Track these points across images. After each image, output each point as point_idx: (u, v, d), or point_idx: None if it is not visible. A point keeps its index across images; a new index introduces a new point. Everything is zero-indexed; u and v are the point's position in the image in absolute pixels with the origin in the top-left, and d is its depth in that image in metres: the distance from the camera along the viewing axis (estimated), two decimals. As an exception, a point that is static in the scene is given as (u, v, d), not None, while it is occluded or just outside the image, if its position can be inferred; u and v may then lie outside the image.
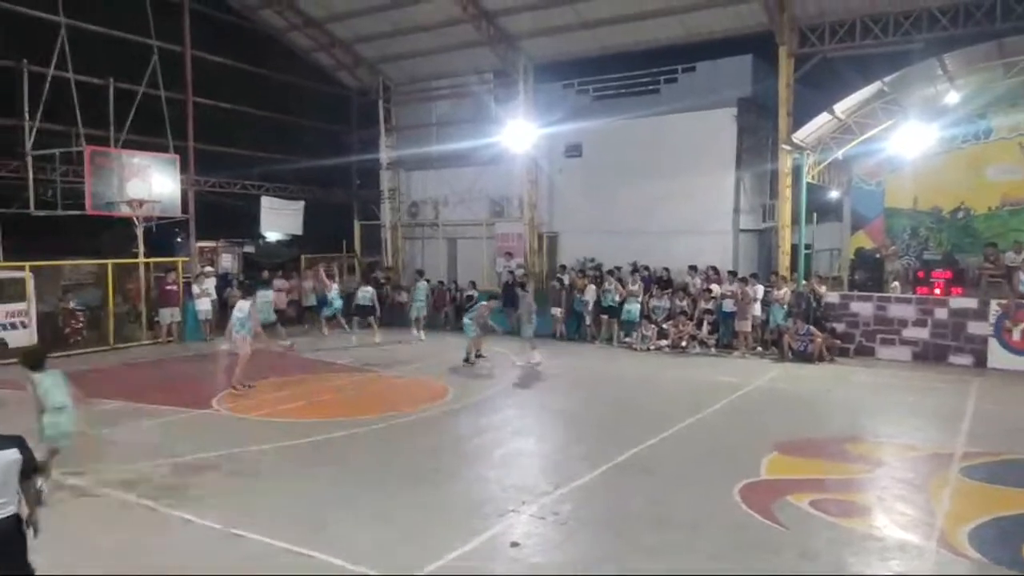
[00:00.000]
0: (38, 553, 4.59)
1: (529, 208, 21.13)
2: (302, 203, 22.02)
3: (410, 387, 13.01)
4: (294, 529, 6.43)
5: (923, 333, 14.71)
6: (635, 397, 12.21)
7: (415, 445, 9.27)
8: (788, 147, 16.62)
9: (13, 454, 4.32)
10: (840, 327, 15.43)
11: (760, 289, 15.92)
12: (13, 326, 15.10)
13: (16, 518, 4.35)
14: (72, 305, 16.52)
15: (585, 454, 8.75)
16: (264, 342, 15.93)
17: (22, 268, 15.53)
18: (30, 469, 4.46)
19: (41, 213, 15.87)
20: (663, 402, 11.71)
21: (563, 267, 19.99)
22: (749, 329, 15.80)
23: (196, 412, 10.96)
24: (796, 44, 16.90)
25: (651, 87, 20.13)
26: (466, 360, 14.38)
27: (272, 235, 24.89)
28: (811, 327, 14.96)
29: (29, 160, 15.55)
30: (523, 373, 14.25)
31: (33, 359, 7.63)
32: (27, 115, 15.63)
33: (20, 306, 15.23)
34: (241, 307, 12.20)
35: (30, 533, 4.49)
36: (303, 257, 22.77)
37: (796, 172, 16.82)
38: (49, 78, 15.81)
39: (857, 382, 13.22)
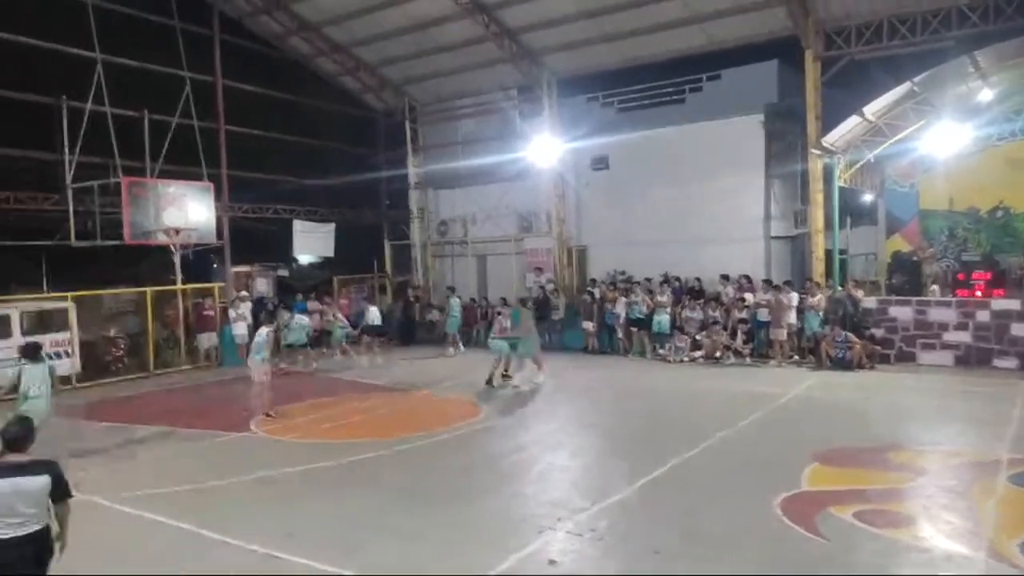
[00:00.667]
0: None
1: (557, 222, 21.14)
2: (333, 225, 22.33)
3: (443, 405, 13.04)
4: (331, 551, 6.47)
5: (965, 337, 14.33)
6: (670, 410, 12.08)
7: (449, 463, 9.27)
8: (818, 151, 16.41)
9: (44, 480, 4.63)
10: (879, 333, 15.11)
11: (795, 296, 15.69)
12: (58, 355, 15.44)
13: (47, 532, 4.69)
14: (113, 333, 16.91)
15: (621, 469, 8.67)
16: (301, 363, 16.29)
17: (65, 298, 15.96)
18: (61, 493, 4.76)
19: (82, 244, 16.30)
20: (698, 414, 11.57)
21: (593, 280, 19.95)
22: (785, 338, 15.57)
23: (234, 435, 11.11)
24: (822, 47, 16.74)
25: (676, 97, 20.08)
26: (488, 382, 13.99)
27: (304, 258, 25.23)
28: (849, 334, 14.68)
29: (69, 193, 16.01)
30: (554, 388, 14.21)
31: (29, 351, 8.96)
32: (67, 149, 16.10)
33: (64, 335, 15.61)
34: (260, 332, 12.38)
35: (57, 548, 4.79)
36: (335, 279, 23.04)
37: (827, 176, 16.59)
38: (87, 113, 16.29)
39: (898, 388, 12.92)
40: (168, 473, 9.22)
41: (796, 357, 15.68)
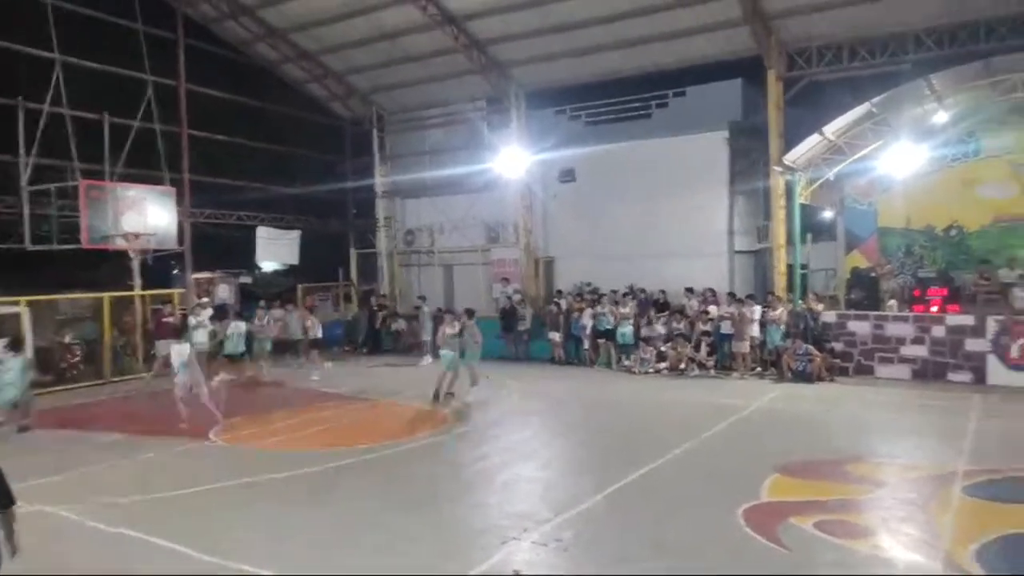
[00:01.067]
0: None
1: (524, 234, 21.21)
2: (298, 233, 22.09)
3: (408, 415, 12.92)
4: (294, 563, 6.35)
5: (921, 351, 14.70)
6: (635, 421, 12.16)
7: (414, 473, 9.19)
8: (780, 169, 16.74)
9: None
10: (838, 346, 15.42)
11: (757, 310, 15.94)
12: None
13: None
14: (68, 339, 16.45)
15: (587, 479, 8.68)
16: (236, 373, 15.91)
17: (17, 303, 15.48)
18: (4, 499, 4.63)
19: (37, 248, 15.87)
20: (663, 425, 11.66)
21: (559, 292, 20.02)
22: (747, 350, 15.79)
23: (192, 444, 10.86)
24: (784, 68, 17.13)
25: (643, 112, 20.34)
26: (435, 397, 13.38)
27: (269, 265, 24.88)
28: (810, 347, 14.95)
29: (25, 195, 15.59)
30: (521, 398, 14.19)
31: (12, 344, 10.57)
32: (23, 151, 15.68)
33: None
34: (180, 351, 11.88)
35: (6, 553, 4.64)
36: (300, 287, 22.76)
37: (789, 193, 16.93)
38: (44, 114, 15.90)
39: (857, 401, 13.17)
40: (122, 482, 8.96)
41: (759, 369, 15.91)
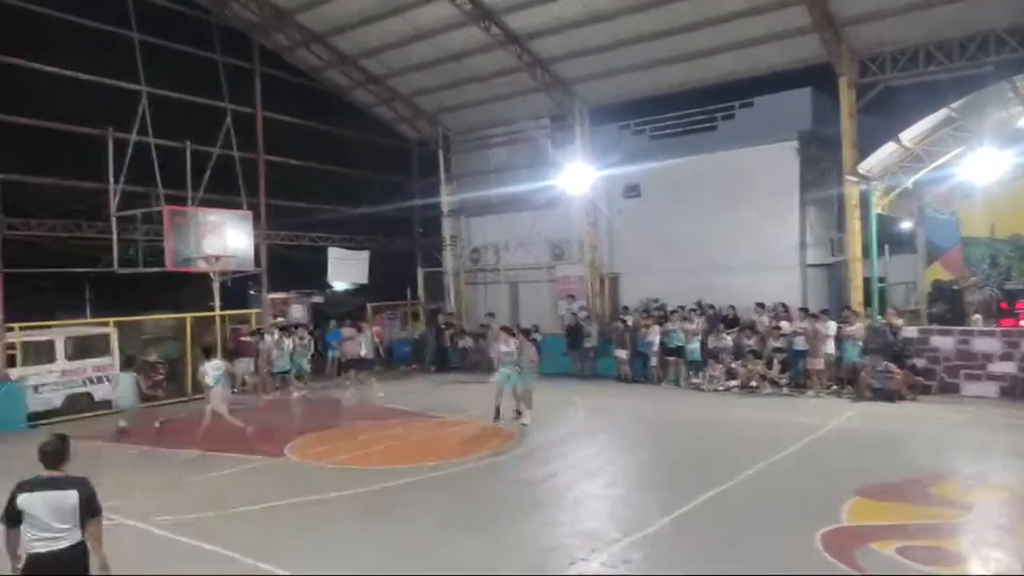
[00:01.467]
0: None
1: (589, 250, 21.15)
2: (367, 253, 22.60)
3: (475, 432, 12.99)
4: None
5: (1010, 367, 13.92)
6: (705, 440, 11.89)
7: (481, 491, 9.23)
8: (854, 178, 16.22)
9: (74, 496, 4.77)
10: (920, 363, 14.77)
11: (832, 325, 15.41)
12: (99, 379, 15.82)
13: (82, 548, 4.79)
14: (153, 358, 17.23)
15: (655, 499, 8.56)
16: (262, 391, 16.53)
17: (107, 324, 16.36)
18: (92, 510, 4.85)
19: (125, 271, 16.70)
20: (734, 445, 11.37)
21: (625, 308, 19.85)
22: (822, 367, 15.28)
23: (268, 461, 11.21)
24: (856, 74, 16.66)
25: (708, 124, 20.06)
26: (496, 416, 13.20)
27: (339, 285, 25.53)
28: (889, 364, 14.36)
29: (114, 221, 16.45)
30: (587, 416, 14.10)
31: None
32: (112, 179, 16.57)
33: (105, 360, 15.98)
34: (217, 365, 12.43)
35: (96, 567, 4.83)
36: (368, 305, 23.27)
37: (864, 203, 16.37)
38: (132, 143, 16.79)
39: (941, 421, 12.57)
40: (202, 498, 9.31)
41: (834, 387, 15.36)
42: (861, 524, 7.59)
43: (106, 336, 16.15)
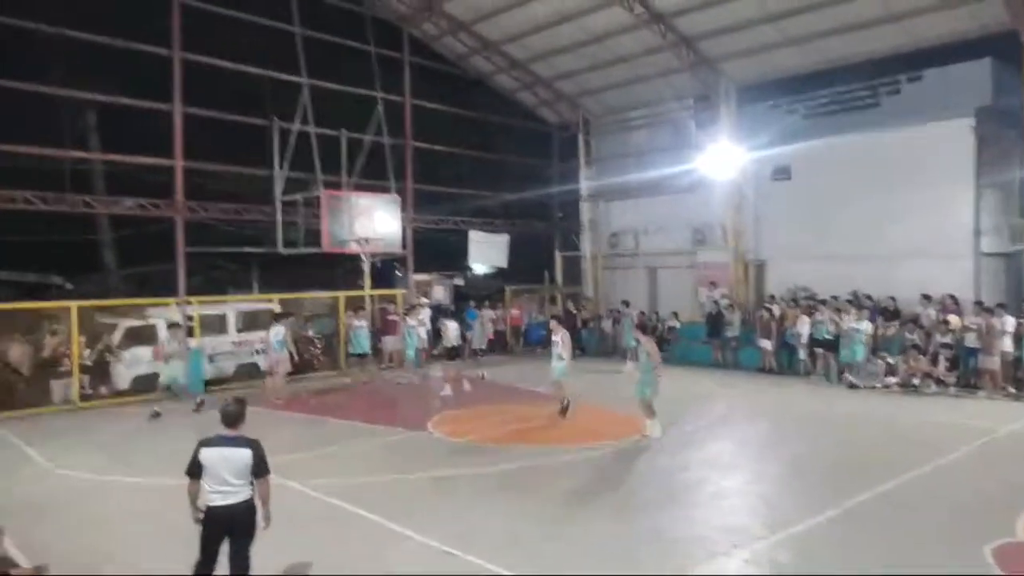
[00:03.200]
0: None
1: (734, 235, 20.34)
2: (506, 236, 22.98)
3: (608, 418, 12.90)
4: (502, 553, 6.63)
5: None
6: (860, 439, 11.15)
7: (618, 476, 9.20)
8: (1042, 158, 14.55)
9: (247, 454, 5.33)
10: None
11: (1010, 321, 13.96)
12: (265, 351, 17.15)
13: (251, 504, 5.35)
14: (311, 333, 18.48)
15: (803, 498, 8.16)
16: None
17: (271, 300, 17.72)
18: (262, 469, 5.39)
19: (288, 251, 17.97)
20: (895, 446, 10.57)
21: (772, 297, 18.96)
22: (997, 367, 13.89)
23: (412, 433, 11.74)
24: (1048, 41, 14.87)
25: (870, 101, 18.63)
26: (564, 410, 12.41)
27: (479, 267, 26.15)
28: (1078, 365, 12.86)
29: (278, 205, 17.73)
30: (728, 407, 13.65)
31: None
32: (277, 166, 17.85)
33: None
34: (277, 332, 14.50)
35: (261, 522, 5.42)
36: (507, 289, 23.69)
37: (1053, 186, 14.67)
38: (295, 132, 17.97)
39: None
40: (354, 465, 9.92)
41: (1011, 390, 13.94)
42: (1041, 541, 6.88)
43: (271, 311, 17.48)
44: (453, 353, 16.58)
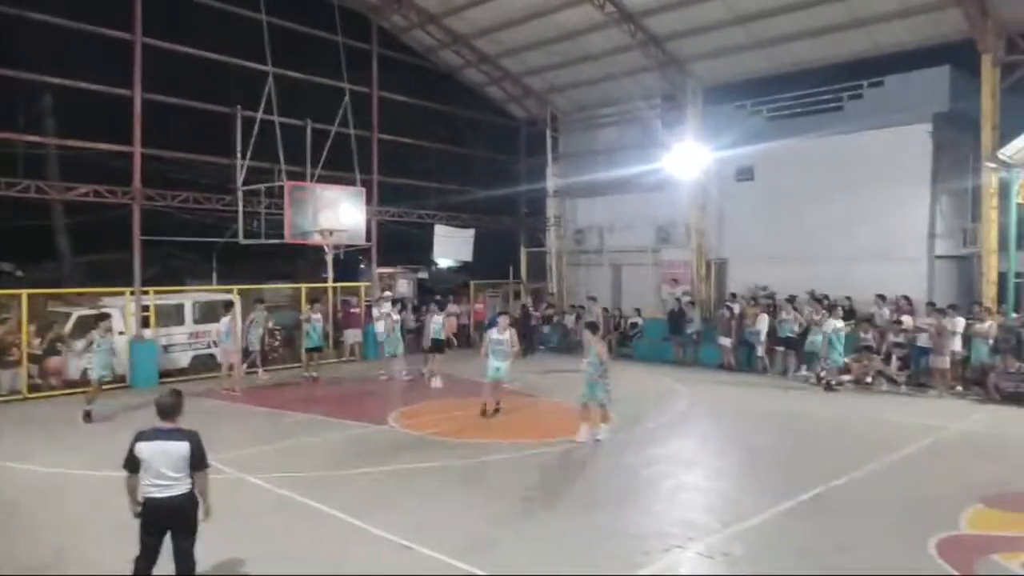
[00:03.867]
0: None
1: (696, 234, 20.59)
2: (472, 231, 22.93)
3: (572, 414, 12.93)
4: (461, 548, 6.62)
5: None
6: (813, 435, 11.40)
7: (579, 471, 9.25)
8: (993, 164, 15.00)
9: (185, 447, 5.22)
10: (1060, 366, 13.55)
11: (960, 322, 14.36)
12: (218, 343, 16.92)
13: (191, 497, 5.26)
14: (271, 324, 18.22)
15: (758, 493, 8.30)
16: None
17: (230, 291, 17.42)
18: (200, 462, 5.29)
19: (248, 242, 17.67)
20: (846, 442, 10.83)
21: (733, 295, 19.24)
22: (947, 366, 14.28)
23: (373, 427, 11.66)
24: (1003, 52, 15.32)
25: (833, 104, 18.97)
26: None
27: (444, 262, 26.06)
28: (1023, 366, 13.27)
29: (240, 195, 17.43)
30: (689, 404, 13.81)
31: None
32: (239, 155, 17.54)
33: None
34: (225, 322, 14.63)
35: (201, 514, 5.34)
36: (471, 283, 23.65)
37: (1003, 192, 15.12)
38: (258, 121, 17.67)
39: (1083, 430, 11.52)
40: (313, 459, 9.81)
41: (959, 388, 14.35)
42: (982, 533, 7.09)
43: (230, 302, 17.18)
44: (438, 346, 16.02)
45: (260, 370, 16.52)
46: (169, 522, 5.22)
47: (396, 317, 16.77)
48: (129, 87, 16.32)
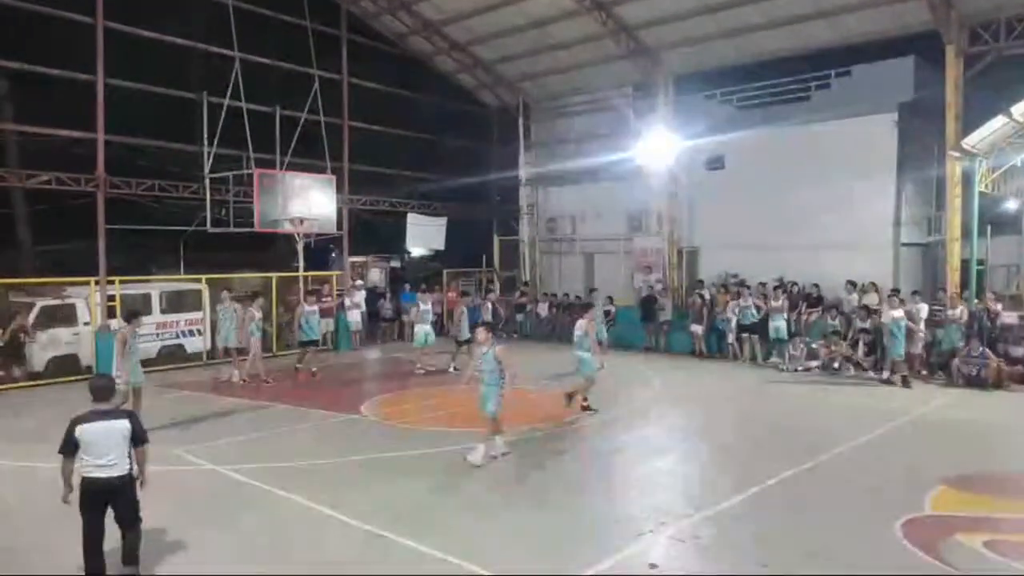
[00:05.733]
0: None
1: (668, 222, 20.73)
2: (445, 219, 22.84)
3: (547, 402, 13.02)
4: (434, 537, 6.62)
5: (1123, 360, 12.97)
6: (782, 420, 11.58)
7: (552, 459, 9.28)
8: (957, 154, 15.29)
9: (125, 424, 5.52)
10: (1018, 351, 13.91)
11: (924, 308, 14.67)
12: (191, 333, 16.69)
13: (130, 476, 5.53)
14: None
15: (728, 477, 8.41)
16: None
17: (199, 280, 17.17)
18: (139, 438, 5.62)
19: (216, 230, 17.39)
20: (814, 427, 11.02)
21: (701, 282, 19.44)
22: (914, 351, 14.58)
23: (345, 417, 11.59)
24: (966, 42, 15.60)
25: (801, 94, 19.19)
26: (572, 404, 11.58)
27: (417, 250, 25.93)
28: (986, 349, 13.61)
29: (207, 182, 17.14)
30: (660, 390, 13.94)
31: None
32: (206, 141, 17.23)
33: (197, 315, 16.84)
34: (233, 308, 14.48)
35: (139, 487, 5.63)
36: (444, 272, 23.58)
37: (967, 181, 15.43)
38: (225, 107, 17.36)
39: (1041, 413, 11.86)
40: (284, 448, 9.73)
41: (925, 373, 14.67)
42: (946, 514, 7.27)
43: (198, 292, 16.96)
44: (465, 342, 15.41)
45: (235, 372, 14.80)
46: (110, 499, 5.42)
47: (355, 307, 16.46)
48: (92, 72, 15.92)
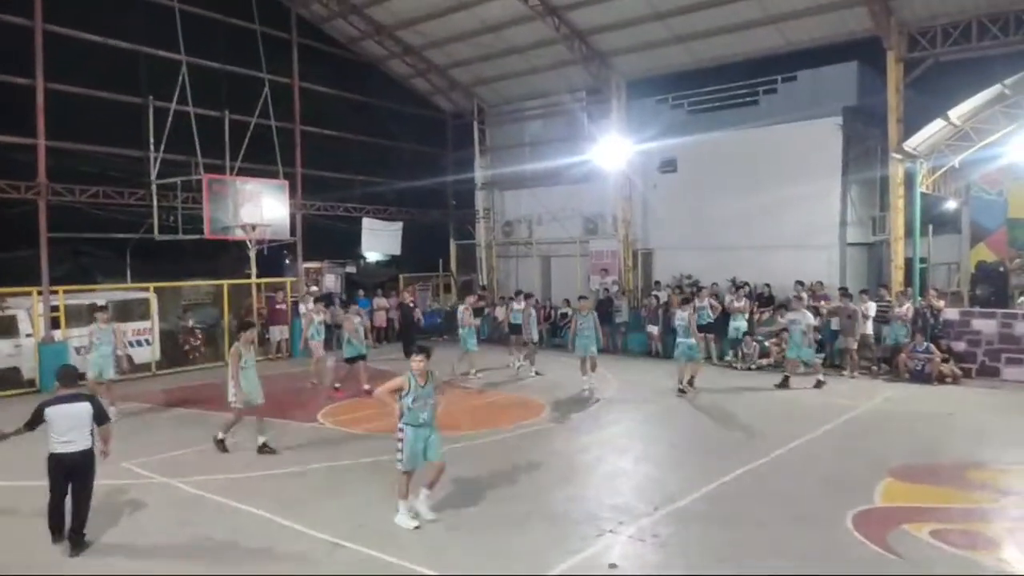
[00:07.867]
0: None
1: (623, 225, 20.97)
2: (400, 224, 22.71)
3: (506, 405, 13.07)
4: (395, 543, 6.58)
5: (1056, 352, 13.56)
6: (737, 418, 11.78)
7: (512, 462, 9.28)
8: (899, 156, 15.82)
9: (87, 407, 6.56)
10: (961, 346, 14.45)
11: (872, 306, 15.12)
12: (139, 343, 16.23)
13: (91, 453, 6.53)
14: (191, 323, 17.60)
15: (685, 476, 8.54)
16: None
17: (147, 289, 16.72)
18: (101, 418, 6.67)
19: (164, 238, 16.98)
20: (767, 424, 11.24)
21: (658, 283, 19.70)
22: (855, 347, 15.00)
23: (303, 425, 11.41)
24: (905, 48, 16.16)
25: (749, 99, 19.67)
26: (682, 390, 13.36)
27: (372, 256, 25.71)
28: (930, 345, 14.08)
29: (154, 188, 16.72)
30: (618, 391, 14.07)
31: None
32: (152, 147, 16.81)
33: (145, 324, 16.40)
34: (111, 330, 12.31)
35: (101, 457, 6.71)
36: (401, 277, 23.42)
37: (909, 182, 15.99)
38: (172, 112, 16.98)
39: (980, 405, 12.31)
40: (240, 459, 9.53)
41: (873, 368, 15.11)
42: (894, 506, 7.50)
43: (146, 301, 16.52)
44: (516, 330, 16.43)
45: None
46: (71, 472, 6.41)
47: (320, 317, 15.81)
48: (31, 76, 15.38)
